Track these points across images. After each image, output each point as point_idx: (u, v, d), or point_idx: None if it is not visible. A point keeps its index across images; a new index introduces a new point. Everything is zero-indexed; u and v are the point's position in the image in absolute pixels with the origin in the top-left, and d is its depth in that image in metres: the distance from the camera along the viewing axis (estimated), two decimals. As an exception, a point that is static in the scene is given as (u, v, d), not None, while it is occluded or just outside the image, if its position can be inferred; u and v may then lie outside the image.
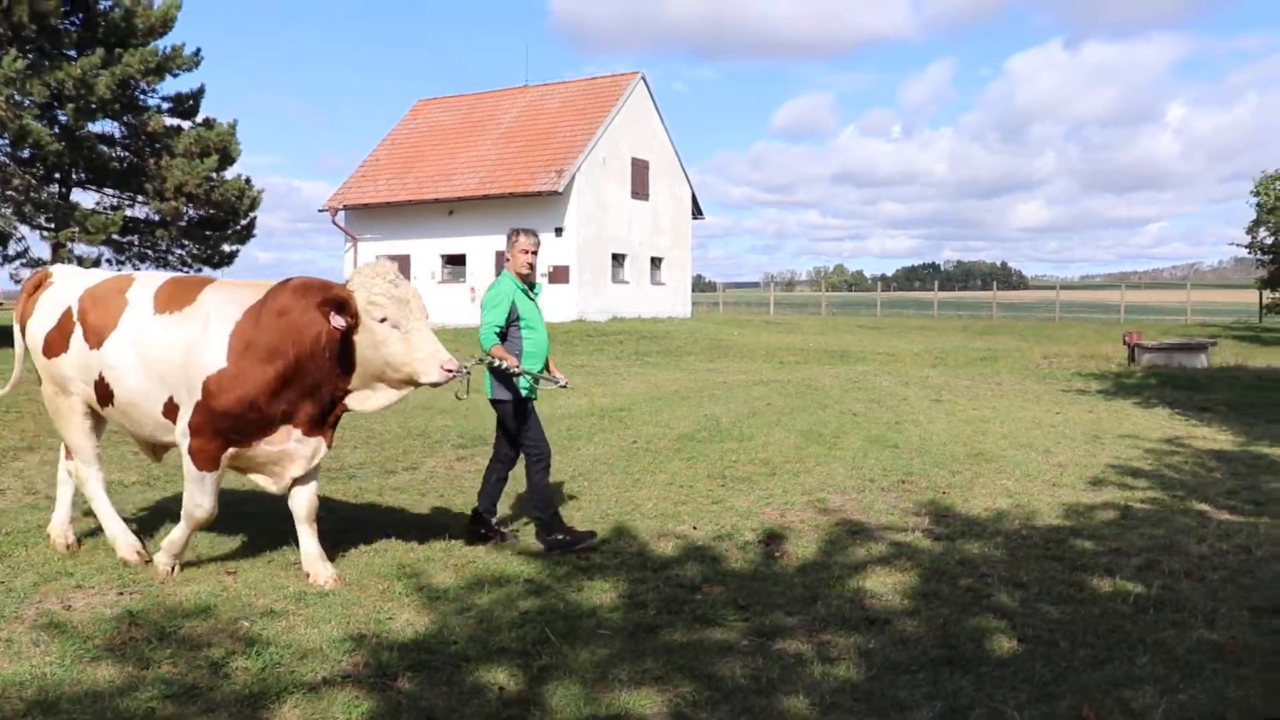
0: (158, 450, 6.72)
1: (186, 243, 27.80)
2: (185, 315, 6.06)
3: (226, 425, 5.87)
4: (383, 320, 5.82)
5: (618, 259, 38.34)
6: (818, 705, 4.55)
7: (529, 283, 7.09)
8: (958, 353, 26.16)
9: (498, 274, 8.62)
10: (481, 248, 36.32)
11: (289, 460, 6.12)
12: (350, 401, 6.11)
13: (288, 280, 6.14)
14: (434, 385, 5.99)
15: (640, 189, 39.42)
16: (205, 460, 5.95)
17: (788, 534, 7.49)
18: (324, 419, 6.15)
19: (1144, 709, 4.54)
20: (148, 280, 6.48)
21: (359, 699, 4.47)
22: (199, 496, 6.03)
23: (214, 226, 28.02)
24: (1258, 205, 45.90)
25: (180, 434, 5.97)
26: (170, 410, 6.10)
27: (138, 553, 6.52)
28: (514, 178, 35.98)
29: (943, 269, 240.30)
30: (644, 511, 8.12)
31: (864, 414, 13.90)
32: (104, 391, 6.32)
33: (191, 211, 27.13)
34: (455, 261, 38.13)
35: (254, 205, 28.57)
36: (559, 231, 35.12)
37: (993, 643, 5.35)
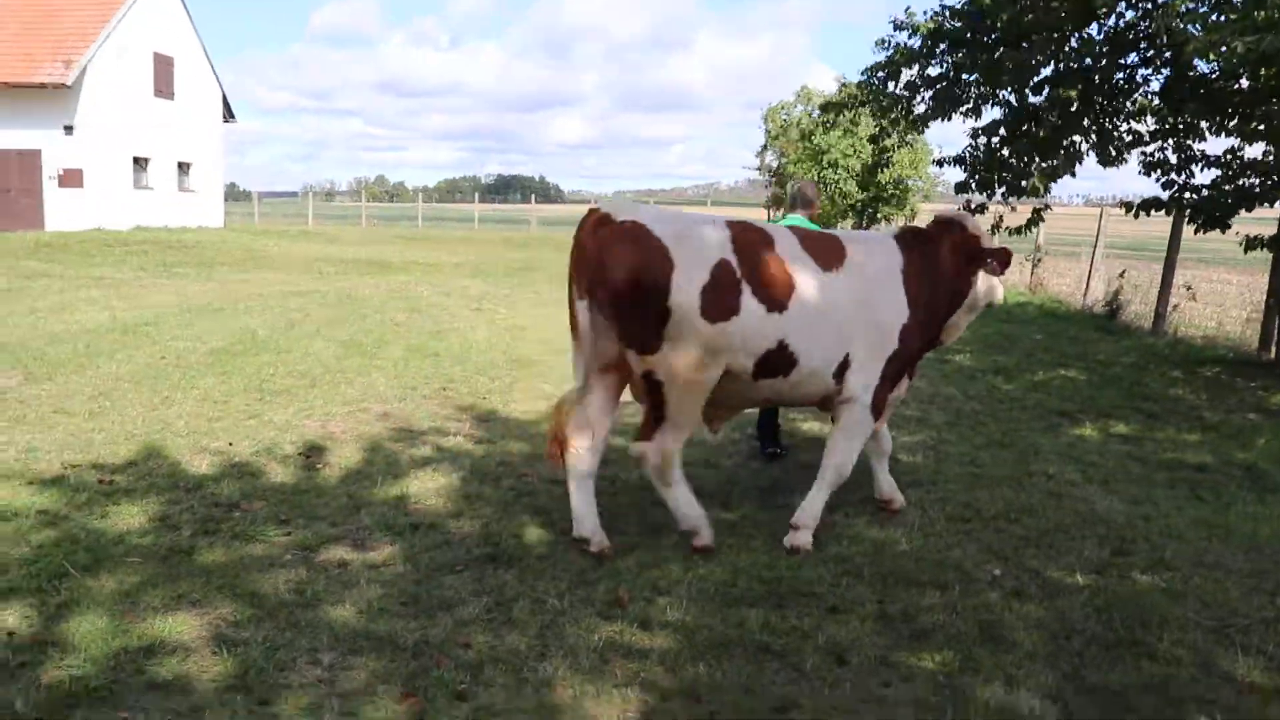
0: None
1: None
2: (855, 269, 5.63)
3: (904, 371, 5.98)
4: None
5: (140, 162, 35.14)
6: (365, 612, 4.52)
7: None
8: (497, 263, 26.67)
9: None
10: (-25, 144, 31.79)
11: (894, 403, 6.28)
12: (945, 337, 6.40)
13: (911, 230, 6.29)
14: (993, 306, 6.64)
15: (164, 87, 36.27)
16: (883, 409, 5.94)
17: (329, 445, 7.31)
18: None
19: (670, 585, 4.94)
20: (779, 232, 5.59)
21: None
22: (854, 453, 5.83)
23: None
24: (766, 132, 50.56)
25: (860, 389, 5.67)
26: (840, 370, 5.62)
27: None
28: (11, 66, 31.57)
29: (484, 182, 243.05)
30: (175, 430, 7.58)
31: (405, 323, 13.81)
32: (782, 361, 5.36)
33: None
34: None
35: None
36: (69, 129, 31.48)
37: (534, 538, 5.56)
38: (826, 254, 5.54)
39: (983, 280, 6.12)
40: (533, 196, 77.01)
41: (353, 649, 4.18)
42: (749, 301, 5.14)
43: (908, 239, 6.03)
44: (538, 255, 30.69)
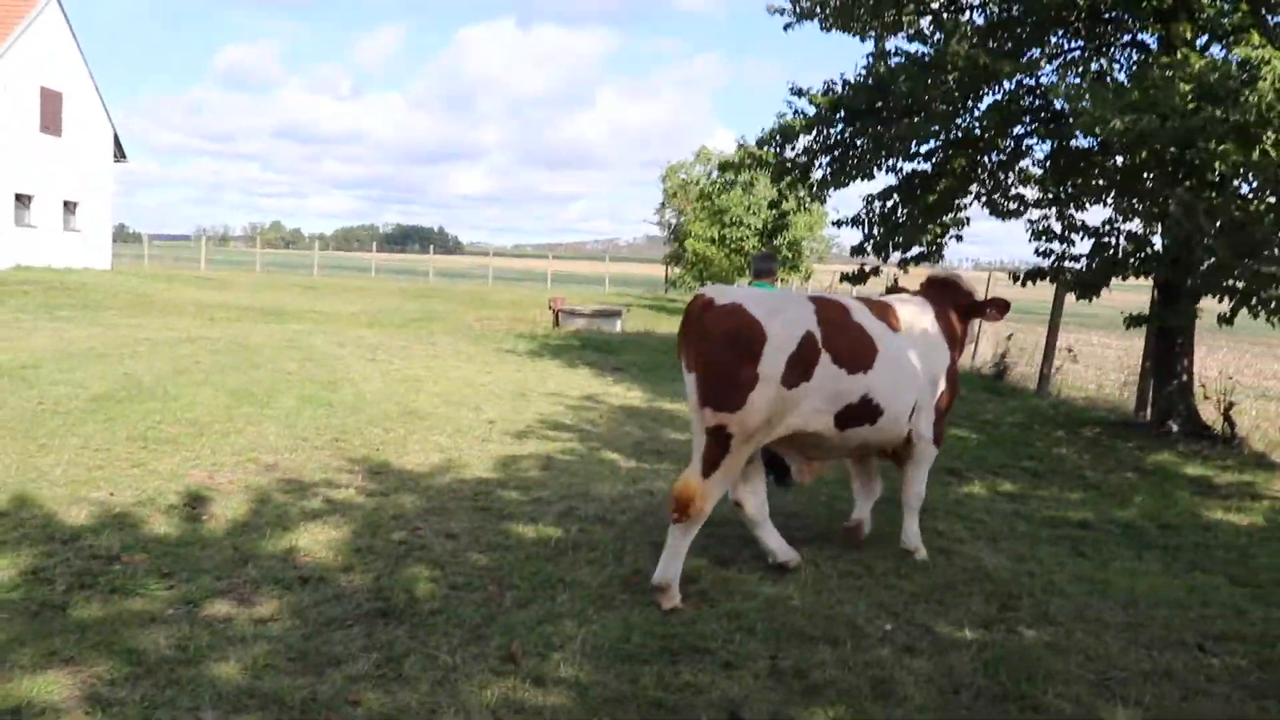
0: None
1: None
2: (912, 329, 6.61)
3: (951, 405, 6.97)
4: None
5: (22, 200, 34.11)
6: (250, 669, 4.38)
7: None
8: (394, 314, 26.41)
9: None
10: None
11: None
12: None
13: (922, 293, 7.07)
14: None
15: (51, 123, 35.34)
16: (941, 438, 6.92)
17: (216, 496, 7.11)
18: None
19: (564, 641, 4.89)
20: (853, 303, 6.46)
21: None
22: (925, 478, 6.89)
23: None
24: (665, 190, 51.33)
25: (924, 427, 6.67)
26: (910, 415, 6.52)
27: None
28: (-115, 96, 30.60)
29: (382, 231, 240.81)
30: (52, 479, 7.28)
31: (298, 373, 13.55)
32: (864, 412, 6.16)
33: None
34: None
35: None
36: (-55, 163, 30.51)
37: (426, 592, 5.47)
38: (893, 317, 6.52)
39: (974, 328, 7.41)
40: (431, 247, 76.54)
41: (237, 707, 4.04)
42: (828, 366, 5.88)
43: (932, 296, 6.99)
44: (435, 306, 30.51)
